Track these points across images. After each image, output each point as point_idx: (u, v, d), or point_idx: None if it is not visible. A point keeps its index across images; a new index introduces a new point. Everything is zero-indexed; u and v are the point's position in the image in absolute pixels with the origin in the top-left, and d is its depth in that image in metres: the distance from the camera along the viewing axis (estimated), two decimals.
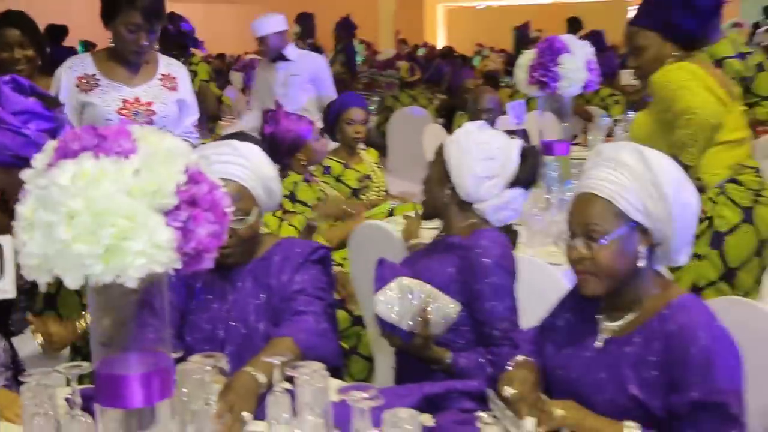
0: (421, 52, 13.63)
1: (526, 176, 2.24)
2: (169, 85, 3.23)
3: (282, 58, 5.29)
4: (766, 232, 2.96)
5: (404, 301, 2.05)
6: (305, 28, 9.89)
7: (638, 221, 1.72)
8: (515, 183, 2.23)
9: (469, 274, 2.17)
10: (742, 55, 3.85)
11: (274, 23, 5.25)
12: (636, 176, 1.71)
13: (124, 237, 1.12)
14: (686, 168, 2.82)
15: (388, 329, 2.09)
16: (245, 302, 2.14)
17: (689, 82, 2.85)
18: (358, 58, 11.93)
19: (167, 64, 3.29)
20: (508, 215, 2.27)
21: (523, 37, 8.39)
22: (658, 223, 1.73)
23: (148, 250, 1.14)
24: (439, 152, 2.30)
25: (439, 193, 2.29)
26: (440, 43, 16.72)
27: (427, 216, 2.42)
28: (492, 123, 4.43)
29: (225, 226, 1.26)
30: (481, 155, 2.20)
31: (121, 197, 1.13)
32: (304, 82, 5.29)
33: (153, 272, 1.17)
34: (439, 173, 2.29)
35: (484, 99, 4.57)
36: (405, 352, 2.20)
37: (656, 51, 3.02)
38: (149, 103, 3.16)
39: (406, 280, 2.08)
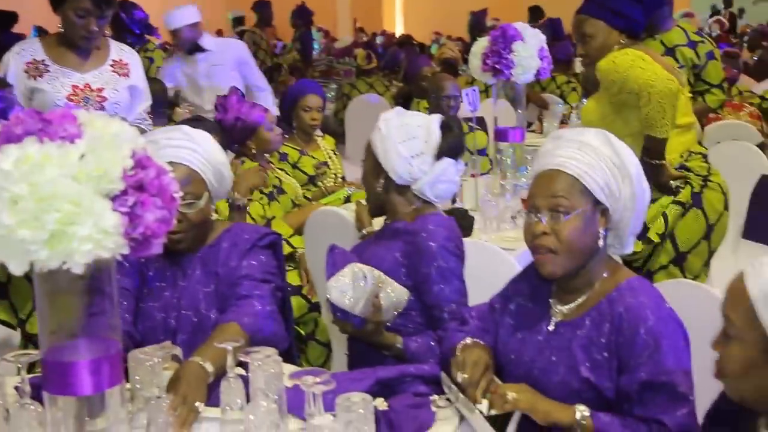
0: (379, 40, 13.61)
1: (450, 146, 2.27)
2: (121, 71, 3.18)
3: (199, 49, 5.13)
4: (713, 217, 3.03)
5: (357, 286, 2.05)
6: (262, 16, 9.81)
7: (601, 201, 1.76)
8: (442, 155, 2.26)
9: (416, 259, 2.19)
10: (693, 44, 3.91)
11: (187, 15, 5.07)
12: (601, 157, 1.75)
13: (70, 222, 1.11)
14: (661, 142, 2.89)
15: (340, 316, 2.10)
16: (195, 290, 2.13)
17: (636, 62, 2.89)
18: (316, 46, 11.88)
19: (119, 50, 3.23)
20: (445, 188, 2.29)
21: (477, 24, 8.35)
22: (620, 204, 1.77)
23: (94, 236, 1.13)
24: (368, 147, 2.33)
25: (377, 185, 2.31)
26: (398, 31, 16.70)
27: (375, 213, 2.45)
28: (456, 110, 4.45)
29: (173, 212, 1.25)
30: (402, 137, 2.23)
31: (66, 182, 1.12)
32: (229, 71, 5.14)
33: (100, 258, 1.16)
34: (371, 166, 2.32)
35: (446, 86, 4.56)
36: (357, 339, 2.21)
37: (603, 39, 3.06)
38: (100, 90, 3.11)
39: (358, 266, 2.08)
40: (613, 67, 2.91)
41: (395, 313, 2.17)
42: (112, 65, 3.17)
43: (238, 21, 11.65)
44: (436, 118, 2.28)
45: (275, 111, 4.49)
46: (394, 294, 2.13)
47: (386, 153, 2.25)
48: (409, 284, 2.19)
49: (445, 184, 2.28)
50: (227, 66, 5.12)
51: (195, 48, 5.11)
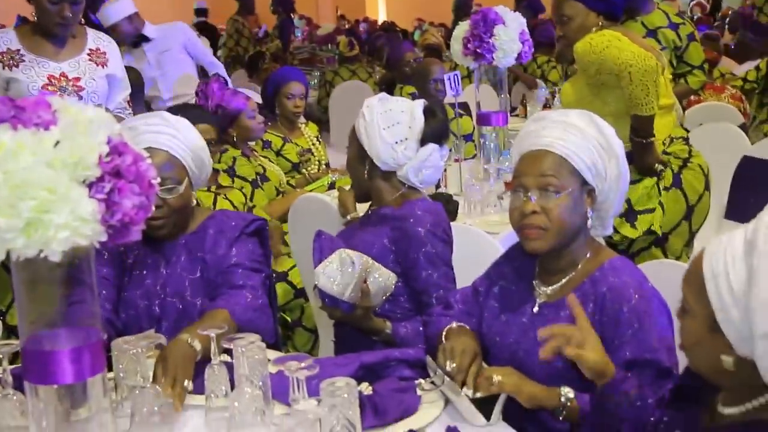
0: (362, 27, 13.56)
1: (434, 131, 2.26)
2: (98, 60, 3.14)
3: (143, 39, 5.03)
4: (694, 197, 3.03)
5: (345, 273, 2.05)
6: (244, 4, 9.75)
7: (588, 181, 1.77)
8: (426, 140, 2.25)
9: (404, 244, 2.19)
10: (674, 26, 3.92)
11: (122, 8, 4.92)
12: (588, 138, 1.76)
13: (46, 210, 1.10)
14: (648, 119, 2.88)
15: (329, 302, 2.09)
16: (180, 277, 2.12)
17: (612, 42, 2.89)
18: (298, 34, 11.82)
19: (96, 39, 3.19)
20: (430, 174, 2.28)
21: (464, 5, 8.24)
22: (606, 184, 1.78)
23: (71, 223, 1.12)
24: (352, 133, 2.33)
25: (362, 171, 2.31)
26: (381, 18, 16.64)
27: (361, 199, 2.45)
28: (444, 93, 4.44)
29: (152, 198, 1.24)
30: (386, 123, 2.23)
31: (41, 169, 1.11)
32: (178, 54, 5.06)
33: (77, 245, 1.15)
34: (355, 153, 2.31)
35: (434, 70, 4.55)
36: (345, 324, 2.21)
37: (581, 21, 3.05)
38: (77, 79, 3.07)
39: (345, 252, 2.07)
40: (590, 48, 2.90)
41: (384, 297, 2.17)
42: (89, 54, 3.13)
43: (201, 12, 11.55)
44: (420, 104, 2.27)
45: (230, 84, 4.45)
46: (382, 278, 2.13)
47: (370, 139, 2.24)
48: (397, 270, 2.19)
49: (429, 169, 2.27)
50: (175, 50, 5.03)
51: (139, 39, 5.00)
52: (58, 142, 1.14)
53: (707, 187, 3.07)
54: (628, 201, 2.85)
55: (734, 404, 1.26)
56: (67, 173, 1.13)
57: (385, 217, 2.26)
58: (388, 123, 2.22)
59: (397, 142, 2.22)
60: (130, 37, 4.96)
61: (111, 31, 4.90)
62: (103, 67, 3.15)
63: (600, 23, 3.02)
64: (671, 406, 1.47)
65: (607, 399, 1.55)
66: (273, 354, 1.82)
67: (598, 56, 2.88)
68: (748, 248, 1.17)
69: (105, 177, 1.16)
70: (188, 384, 1.75)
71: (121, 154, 1.19)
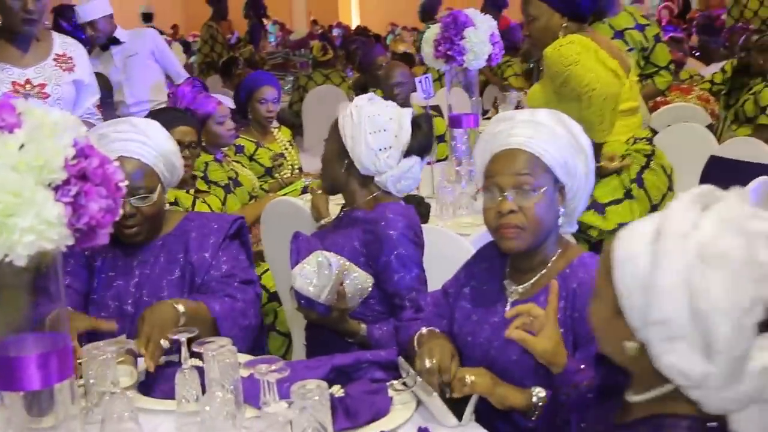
0: (336, 32, 13.57)
1: (420, 144, 2.25)
2: (65, 65, 3.10)
3: (114, 42, 4.97)
4: (657, 196, 3.06)
5: (321, 275, 2.04)
6: (217, 9, 9.72)
7: (559, 179, 1.79)
8: (410, 151, 2.24)
9: (375, 247, 2.18)
10: (641, 27, 3.97)
11: (101, 7, 4.89)
12: (557, 136, 1.78)
13: (10, 213, 1.09)
14: (599, 146, 2.91)
15: (305, 304, 2.09)
16: (158, 278, 2.12)
17: (580, 56, 2.89)
18: (272, 39, 11.81)
19: (62, 44, 3.15)
20: (408, 184, 2.28)
21: (428, 9, 8.22)
22: (575, 182, 1.80)
23: (36, 227, 1.11)
24: (335, 128, 2.29)
25: (339, 170, 2.28)
26: (354, 23, 16.67)
27: (330, 191, 2.42)
28: (405, 97, 4.44)
29: (119, 201, 1.24)
30: (372, 128, 2.20)
31: (5, 173, 1.10)
32: (145, 60, 5.01)
33: (44, 249, 1.14)
34: (336, 149, 2.28)
35: (395, 74, 4.55)
36: (320, 326, 2.20)
37: (546, 21, 3.06)
38: (42, 85, 3.03)
39: (323, 254, 2.07)
40: (558, 59, 2.90)
41: (360, 299, 2.16)
42: (55, 59, 3.09)
43: (147, 17, 11.50)
44: (408, 113, 2.26)
45: None
46: (359, 280, 2.13)
47: (354, 141, 2.21)
48: (369, 272, 2.19)
49: (409, 180, 2.26)
50: (142, 55, 4.99)
51: (111, 41, 4.96)
52: (23, 145, 1.13)
53: (671, 188, 3.10)
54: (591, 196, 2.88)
55: (640, 392, 1.27)
56: (32, 176, 1.12)
57: (356, 219, 2.26)
58: (375, 128, 2.20)
59: (381, 150, 2.20)
60: (106, 36, 4.92)
61: (89, 26, 4.88)
62: (69, 72, 3.11)
63: (565, 24, 3.02)
64: (596, 401, 1.49)
65: (558, 390, 1.57)
66: (244, 357, 1.81)
67: (565, 69, 2.88)
68: (654, 235, 1.18)
69: (71, 180, 1.15)
70: (164, 342, 1.77)
71: (87, 157, 1.18)
